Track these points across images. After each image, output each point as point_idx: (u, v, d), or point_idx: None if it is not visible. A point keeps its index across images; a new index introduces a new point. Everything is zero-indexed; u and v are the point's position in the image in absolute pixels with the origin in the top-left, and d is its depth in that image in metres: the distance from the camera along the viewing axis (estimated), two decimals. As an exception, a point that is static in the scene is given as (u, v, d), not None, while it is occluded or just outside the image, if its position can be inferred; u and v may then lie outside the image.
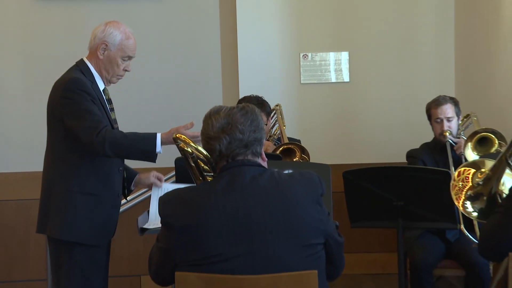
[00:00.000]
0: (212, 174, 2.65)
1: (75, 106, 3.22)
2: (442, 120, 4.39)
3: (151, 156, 3.24)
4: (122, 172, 3.48)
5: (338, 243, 2.55)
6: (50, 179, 3.36)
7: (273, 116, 4.89)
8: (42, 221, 3.37)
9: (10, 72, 5.58)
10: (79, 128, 3.20)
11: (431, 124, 4.49)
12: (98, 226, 3.35)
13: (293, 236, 2.39)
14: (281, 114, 4.96)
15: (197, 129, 2.64)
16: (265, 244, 2.37)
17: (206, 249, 2.36)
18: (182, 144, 2.79)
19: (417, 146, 4.59)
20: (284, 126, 4.87)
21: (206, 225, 2.36)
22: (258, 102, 4.52)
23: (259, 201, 2.39)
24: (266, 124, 4.63)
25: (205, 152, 2.62)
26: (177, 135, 2.85)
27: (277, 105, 5.02)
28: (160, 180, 3.57)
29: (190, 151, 2.75)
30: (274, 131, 4.93)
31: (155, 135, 3.23)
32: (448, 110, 4.40)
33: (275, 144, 4.65)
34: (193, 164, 2.75)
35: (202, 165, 2.73)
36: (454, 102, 4.48)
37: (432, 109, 4.46)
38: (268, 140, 4.70)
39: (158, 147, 3.22)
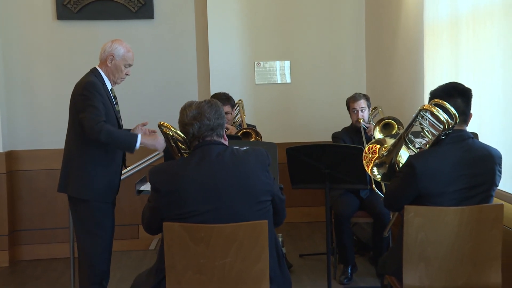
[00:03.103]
0: (188, 151, 2.58)
1: (87, 102, 3.13)
2: (357, 111, 4.37)
3: (131, 149, 3.16)
4: None
5: (281, 199, 2.51)
6: (70, 153, 3.27)
7: (236, 108, 4.83)
8: (63, 183, 3.28)
9: (40, 77, 5.48)
10: (84, 118, 3.10)
11: (349, 113, 4.47)
12: (106, 187, 3.27)
13: (248, 195, 2.35)
14: (242, 106, 4.94)
15: (176, 118, 2.53)
16: (228, 202, 2.32)
17: (185, 207, 2.31)
18: (165, 129, 2.72)
19: (340, 129, 4.57)
20: (244, 115, 4.85)
21: (184, 189, 2.31)
22: (226, 97, 4.46)
23: (223, 170, 2.34)
24: (231, 114, 4.57)
25: (182, 135, 2.55)
26: (161, 122, 2.78)
27: (239, 100, 4.99)
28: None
29: (171, 134, 2.69)
30: (237, 119, 4.87)
31: (137, 135, 3.17)
32: (361, 103, 4.39)
33: (237, 128, 4.59)
34: (173, 144, 2.70)
35: (180, 144, 2.66)
36: (366, 97, 4.47)
37: (350, 102, 4.45)
38: (232, 125, 4.64)
39: (137, 144, 3.15)
